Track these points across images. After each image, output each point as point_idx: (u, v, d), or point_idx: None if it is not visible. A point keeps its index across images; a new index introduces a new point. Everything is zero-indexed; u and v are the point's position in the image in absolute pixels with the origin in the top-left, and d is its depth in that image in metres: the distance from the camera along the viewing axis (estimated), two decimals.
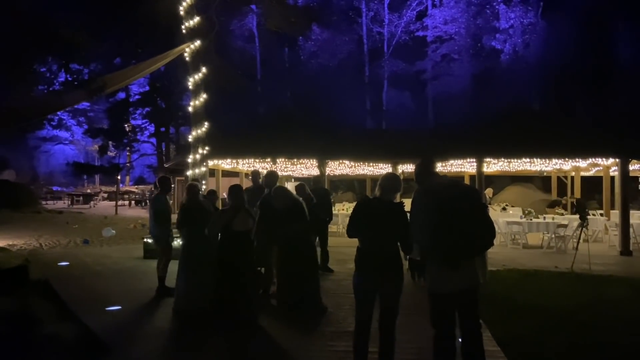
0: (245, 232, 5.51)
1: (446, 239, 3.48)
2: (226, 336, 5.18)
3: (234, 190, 5.58)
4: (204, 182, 11.77)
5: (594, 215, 14.45)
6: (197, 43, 12.29)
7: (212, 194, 7.36)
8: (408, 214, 3.85)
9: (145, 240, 10.31)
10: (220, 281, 5.48)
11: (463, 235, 3.48)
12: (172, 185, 8.34)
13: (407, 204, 3.91)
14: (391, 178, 4.17)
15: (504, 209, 16.45)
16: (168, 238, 7.23)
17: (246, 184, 16.10)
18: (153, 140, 35.72)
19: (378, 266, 3.94)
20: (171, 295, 6.40)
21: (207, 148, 12.27)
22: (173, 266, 6.58)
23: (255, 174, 8.22)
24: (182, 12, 12.26)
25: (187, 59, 12.40)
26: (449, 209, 3.50)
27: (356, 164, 16.89)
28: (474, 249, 3.61)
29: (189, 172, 12.22)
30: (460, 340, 3.69)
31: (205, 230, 5.87)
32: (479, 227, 3.56)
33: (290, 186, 11.89)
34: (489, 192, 15.82)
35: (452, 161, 15.09)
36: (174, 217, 6.97)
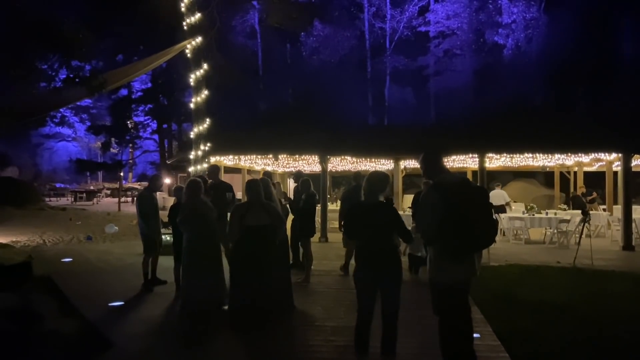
0: (259, 227, 5.32)
1: (453, 233, 3.52)
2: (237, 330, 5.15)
3: (249, 185, 5.51)
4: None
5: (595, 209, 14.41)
6: (199, 39, 12.30)
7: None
8: (401, 211, 3.89)
9: None
10: (233, 277, 5.39)
11: (469, 232, 3.53)
12: (161, 184, 8.36)
13: (408, 200, 3.94)
14: (374, 180, 4.24)
15: (507, 204, 16.39)
16: (152, 236, 7.16)
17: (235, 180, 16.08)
18: (155, 136, 35.72)
19: (377, 262, 4.07)
20: (159, 284, 7.15)
21: (209, 144, 12.29)
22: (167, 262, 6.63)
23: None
24: (183, 9, 12.27)
25: (189, 55, 12.41)
26: (459, 204, 3.54)
27: (358, 160, 16.85)
28: (478, 246, 3.70)
29: (191, 169, 12.25)
30: None
31: (208, 228, 5.87)
32: (484, 225, 3.61)
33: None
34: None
35: (454, 157, 15.06)
36: (165, 214, 7.10)
